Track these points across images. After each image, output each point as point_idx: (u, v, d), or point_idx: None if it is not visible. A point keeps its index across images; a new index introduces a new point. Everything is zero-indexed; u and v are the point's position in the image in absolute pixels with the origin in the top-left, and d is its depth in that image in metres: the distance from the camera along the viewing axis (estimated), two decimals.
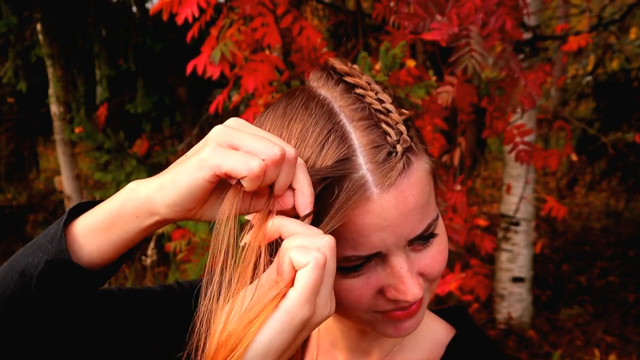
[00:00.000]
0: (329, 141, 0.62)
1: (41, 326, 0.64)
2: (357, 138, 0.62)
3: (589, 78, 5.45)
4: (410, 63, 1.79)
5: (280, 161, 0.55)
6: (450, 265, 2.68)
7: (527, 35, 3.42)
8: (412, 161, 0.63)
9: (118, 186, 3.49)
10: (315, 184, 0.60)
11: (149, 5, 4.13)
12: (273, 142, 0.56)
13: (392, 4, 2.05)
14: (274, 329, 0.52)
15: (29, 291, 0.61)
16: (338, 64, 0.68)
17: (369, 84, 0.67)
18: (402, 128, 0.63)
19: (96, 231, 0.62)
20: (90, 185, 7.06)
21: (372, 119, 0.63)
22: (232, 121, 0.60)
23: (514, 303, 4.46)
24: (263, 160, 0.54)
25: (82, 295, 0.64)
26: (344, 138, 0.62)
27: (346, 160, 0.61)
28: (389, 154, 0.61)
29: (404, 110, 0.66)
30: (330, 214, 0.60)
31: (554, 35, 4.02)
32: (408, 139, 0.63)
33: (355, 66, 0.70)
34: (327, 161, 0.61)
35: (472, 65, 1.52)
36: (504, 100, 1.87)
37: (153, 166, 3.61)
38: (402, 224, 0.62)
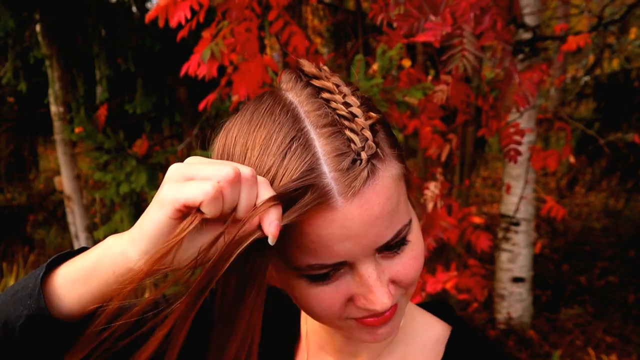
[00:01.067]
0: (292, 149, 0.60)
1: None
2: (321, 145, 0.60)
3: (587, 78, 5.44)
4: (406, 63, 1.79)
5: (235, 180, 0.55)
6: (446, 266, 2.68)
7: (527, 35, 3.42)
8: (377, 168, 0.61)
9: (118, 186, 3.50)
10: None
11: (148, 6, 4.14)
12: (225, 165, 0.56)
13: (389, 2, 2.06)
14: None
15: (12, 340, 0.62)
16: (307, 66, 0.67)
17: (338, 86, 0.65)
18: (368, 134, 0.61)
19: (75, 285, 0.62)
20: (90, 185, 7.06)
21: (336, 125, 0.61)
22: (191, 159, 0.61)
23: (514, 303, 4.46)
24: (218, 182, 0.54)
25: (66, 344, 0.63)
26: (307, 146, 0.60)
27: (310, 171, 0.59)
28: (354, 161, 0.59)
29: (372, 114, 0.64)
30: (286, 214, 0.59)
31: (554, 36, 4.01)
32: (373, 145, 0.61)
33: (325, 67, 0.68)
34: (290, 171, 0.60)
35: (463, 65, 1.52)
36: (499, 99, 1.87)
37: (153, 166, 3.61)
38: (368, 234, 0.61)
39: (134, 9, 4.09)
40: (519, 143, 2.18)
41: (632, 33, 5.62)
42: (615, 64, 6.60)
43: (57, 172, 6.32)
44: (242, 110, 0.69)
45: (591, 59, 6.08)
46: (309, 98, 0.64)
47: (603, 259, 5.77)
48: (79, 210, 5.03)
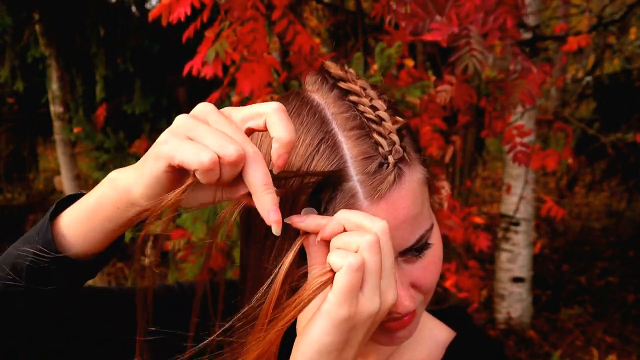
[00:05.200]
0: (320, 152, 0.61)
1: (34, 320, 0.65)
2: (348, 148, 0.61)
3: (588, 78, 5.44)
4: (409, 63, 1.79)
5: (238, 161, 0.53)
6: (446, 261, 2.68)
7: (527, 35, 3.42)
8: (404, 172, 0.62)
9: None
10: (307, 188, 0.59)
11: (148, 6, 4.13)
12: (228, 142, 0.53)
13: (391, 3, 2.05)
14: (320, 329, 0.55)
15: (20, 284, 0.62)
16: (333, 68, 0.67)
17: (364, 89, 0.65)
18: (395, 138, 0.62)
19: (80, 222, 0.62)
20: (90, 185, 7.06)
21: (364, 129, 0.62)
22: (200, 107, 0.58)
23: (514, 303, 4.46)
24: (217, 155, 0.53)
25: (72, 286, 0.64)
26: (334, 148, 0.60)
27: (337, 171, 0.60)
28: (380, 165, 0.60)
29: (398, 118, 0.64)
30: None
31: (554, 35, 4.01)
32: (400, 149, 0.61)
33: (351, 70, 0.69)
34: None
35: (473, 64, 1.51)
36: (505, 99, 1.86)
37: None
38: (393, 237, 0.61)
39: (134, 9, 4.08)
40: (524, 145, 2.18)
41: (632, 33, 5.62)
42: (617, 64, 6.60)
43: (57, 172, 6.32)
44: None
45: (591, 59, 6.09)
46: (336, 100, 0.64)
47: (603, 259, 5.77)
48: None
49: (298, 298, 0.55)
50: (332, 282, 0.55)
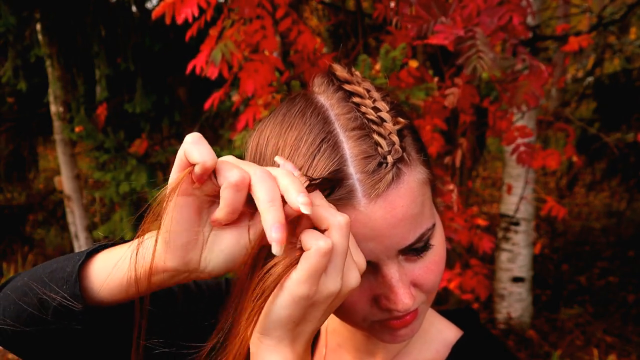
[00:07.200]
0: (321, 151, 0.62)
1: (56, 342, 0.68)
2: (349, 148, 0.62)
3: (590, 79, 5.45)
4: (413, 64, 1.79)
5: (240, 183, 0.55)
6: (450, 265, 2.68)
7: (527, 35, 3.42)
8: (403, 172, 0.63)
9: (118, 186, 3.49)
10: (309, 188, 0.59)
11: (148, 5, 4.13)
12: (235, 166, 0.56)
13: (392, 4, 2.05)
14: (279, 303, 0.56)
15: (46, 317, 0.66)
16: (339, 71, 0.68)
17: (368, 91, 0.67)
18: (395, 138, 0.63)
19: (109, 273, 0.64)
20: (90, 184, 7.05)
21: (364, 129, 0.63)
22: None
23: (514, 303, 4.46)
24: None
25: (99, 328, 0.67)
26: (335, 148, 0.62)
27: (337, 171, 0.61)
28: (379, 164, 0.61)
29: (400, 119, 0.66)
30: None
31: (554, 35, 4.02)
32: (400, 149, 0.63)
33: (357, 72, 0.70)
34: (318, 171, 0.61)
35: (481, 66, 1.51)
36: (508, 100, 1.86)
37: (152, 166, 3.61)
38: (391, 235, 0.63)
39: (134, 8, 4.09)
40: (527, 145, 2.18)
41: (632, 33, 5.62)
42: (617, 64, 6.60)
43: (57, 172, 6.32)
44: (275, 112, 0.70)
45: (591, 59, 6.09)
46: (339, 102, 0.66)
47: (603, 259, 5.77)
48: (78, 210, 5.03)
49: (266, 281, 0.55)
50: (298, 260, 0.55)
